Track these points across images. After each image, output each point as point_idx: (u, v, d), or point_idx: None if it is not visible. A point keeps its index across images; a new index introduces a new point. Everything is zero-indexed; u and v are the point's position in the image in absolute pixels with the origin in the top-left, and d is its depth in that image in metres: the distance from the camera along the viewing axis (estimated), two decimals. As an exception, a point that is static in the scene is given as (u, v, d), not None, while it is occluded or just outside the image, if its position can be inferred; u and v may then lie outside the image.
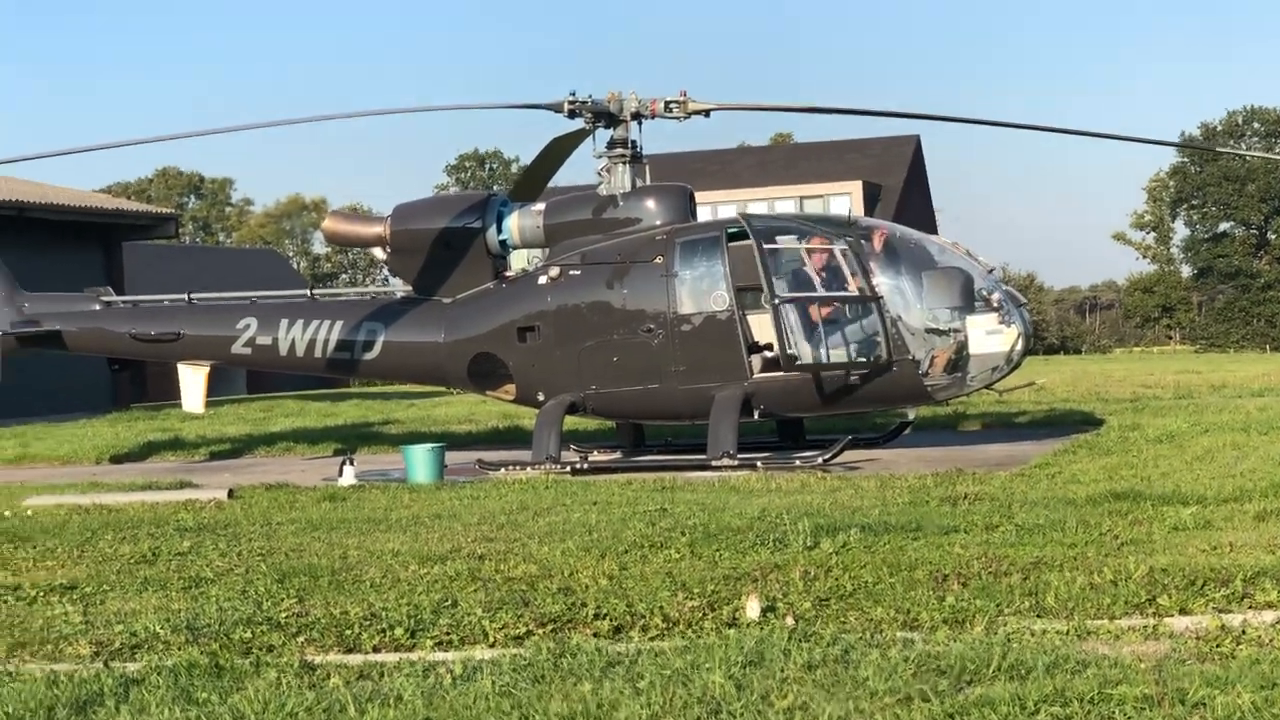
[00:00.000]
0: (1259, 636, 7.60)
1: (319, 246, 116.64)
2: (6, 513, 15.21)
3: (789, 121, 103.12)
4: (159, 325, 21.24)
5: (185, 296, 21.53)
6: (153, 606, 9.61)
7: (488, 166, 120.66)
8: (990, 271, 19.03)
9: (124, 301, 22.20)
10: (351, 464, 18.06)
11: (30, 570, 11.46)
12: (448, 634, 8.49)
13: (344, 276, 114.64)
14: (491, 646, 8.28)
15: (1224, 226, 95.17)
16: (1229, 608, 8.37)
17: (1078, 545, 10.60)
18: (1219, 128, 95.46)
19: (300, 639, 8.51)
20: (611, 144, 19.44)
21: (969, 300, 18.13)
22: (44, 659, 8.35)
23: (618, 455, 20.36)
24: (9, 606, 9.91)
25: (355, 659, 8.01)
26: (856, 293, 18.18)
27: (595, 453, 20.50)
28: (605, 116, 19.26)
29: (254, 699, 6.60)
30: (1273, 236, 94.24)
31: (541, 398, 19.22)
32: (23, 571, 11.41)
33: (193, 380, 21.31)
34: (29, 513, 15.23)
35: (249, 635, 8.55)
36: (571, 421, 20.46)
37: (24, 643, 8.70)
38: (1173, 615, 8.27)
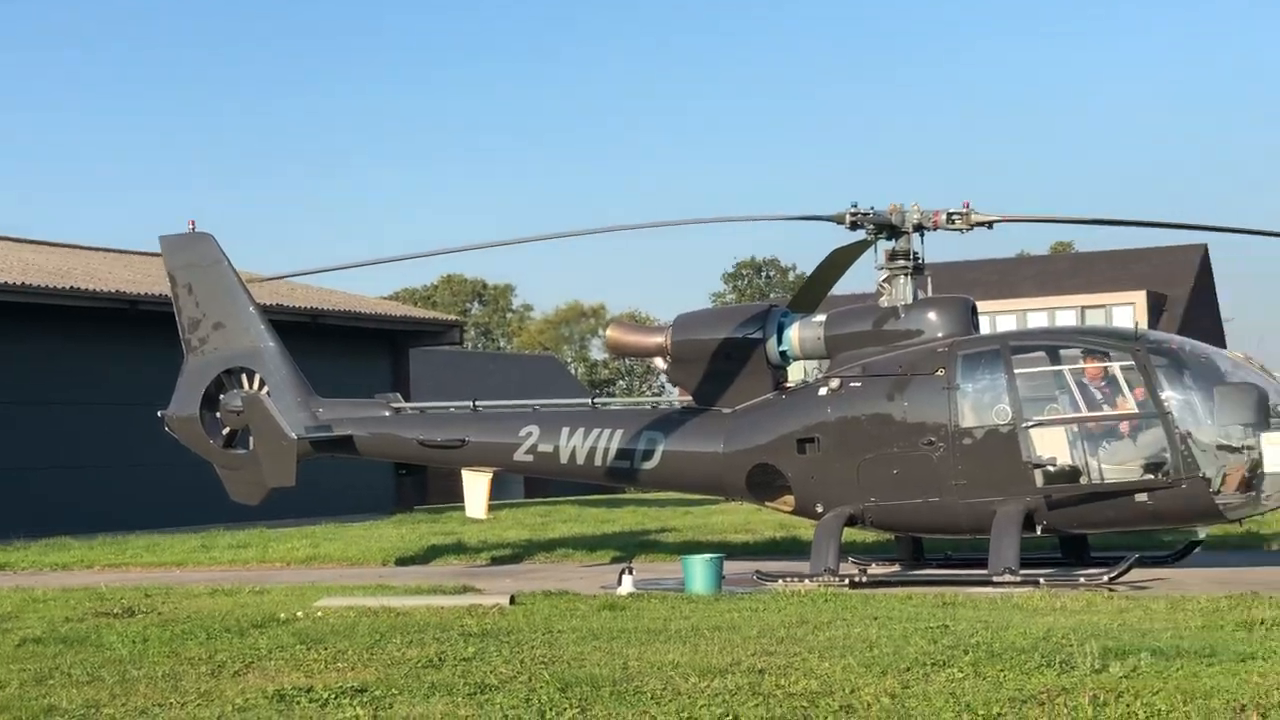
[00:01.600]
0: None
1: (596, 353, 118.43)
2: (300, 613, 15.68)
3: (1069, 230, 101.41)
4: (446, 432, 21.78)
5: (471, 404, 22.05)
6: (440, 712, 9.79)
7: (764, 274, 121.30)
8: (1285, 386, 18.39)
9: (412, 408, 22.82)
10: (630, 572, 18.19)
11: (322, 672, 11.78)
12: (729, 749, 8.47)
13: (621, 383, 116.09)
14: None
15: None
16: None
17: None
18: None
19: (584, 752, 8.57)
20: (893, 255, 19.40)
21: (1263, 416, 17.53)
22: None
23: (896, 568, 20.14)
24: (301, 708, 10.19)
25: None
26: (1143, 408, 17.75)
27: (874, 565, 20.30)
28: (887, 228, 19.25)
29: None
30: None
31: (820, 509, 19.14)
32: (315, 673, 11.73)
33: (477, 486, 21.80)
34: (320, 614, 15.68)
35: (532, 747, 8.64)
36: (850, 534, 20.33)
37: (318, 746, 8.93)
38: None
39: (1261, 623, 12.98)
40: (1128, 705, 9.34)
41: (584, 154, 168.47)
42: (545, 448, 20.98)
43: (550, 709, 9.75)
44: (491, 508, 23.66)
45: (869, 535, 22.20)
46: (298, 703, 10.39)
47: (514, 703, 10.06)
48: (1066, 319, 56.42)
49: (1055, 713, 9.13)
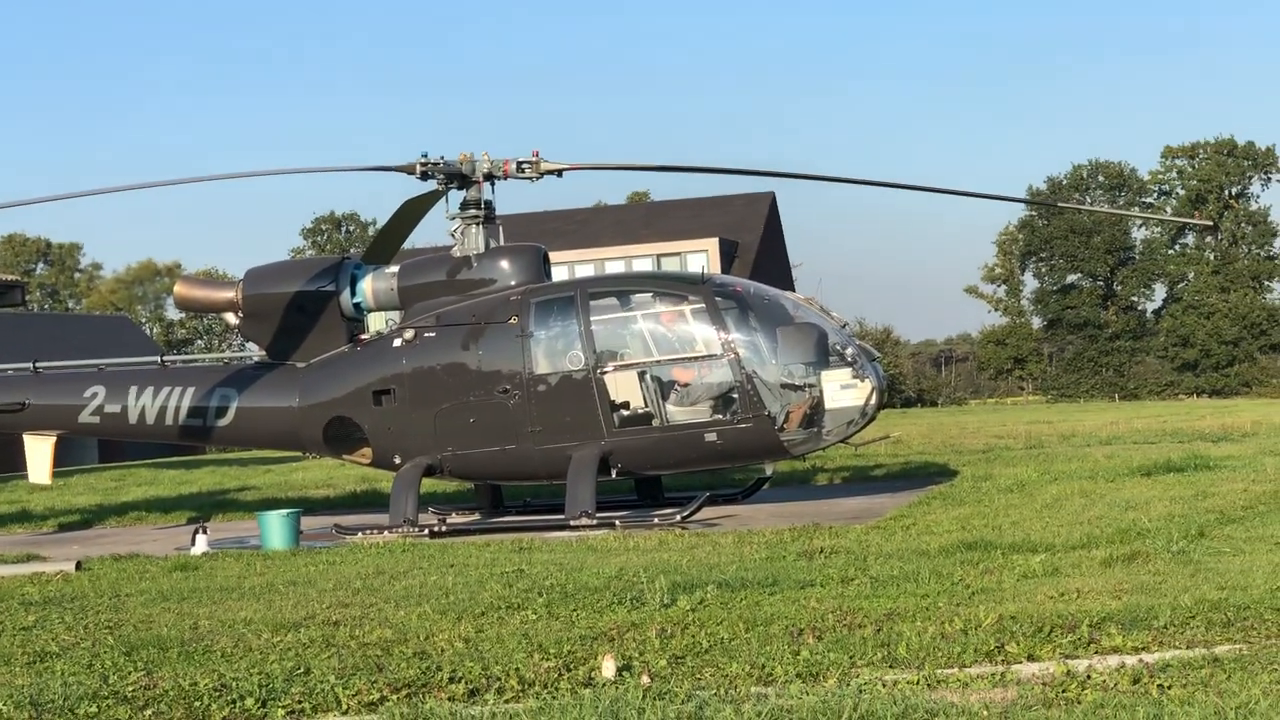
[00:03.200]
0: (1104, 681, 7.73)
1: (173, 313, 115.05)
2: None
3: (646, 180, 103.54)
4: (3, 395, 20.82)
5: (30, 365, 21.13)
6: (-6, 683, 9.37)
7: (344, 229, 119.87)
8: (844, 326, 19.24)
9: (-33, 372, 21.72)
10: (205, 532, 17.80)
11: None
12: (300, 702, 8.37)
13: (199, 343, 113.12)
14: (345, 714, 8.19)
15: (1071, 278, 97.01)
16: (1075, 653, 8.50)
17: (930, 596, 10.71)
18: (1064, 182, 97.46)
19: (148, 712, 8.35)
20: (465, 205, 19.42)
21: (823, 356, 18.30)
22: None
23: (476, 517, 20.28)
24: None
25: (205, 732, 7.87)
26: (711, 350, 18.29)
27: (454, 515, 20.39)
28: (458, 178, 19.25)
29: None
30: (1119, 287, 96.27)
31: (398, 461, 19.08)
32: None
33: (39, 451, 20.90)
34: None
35: (95, 710, 8.37)
36: (430, 484, 20.35)
37: None
38: (1021, 662, 8.39)
39: (820, 551, 13.60)
40: (693, 636, 9.64)
41: (160, 105, 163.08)
42: (112, 408, 20.28)
43: (114, 673, 9.44)
44: (59, 474, 22.78)
45: (450, 485, 22.27)
46: None
47: (75, 669, 9.70)
48: (643, 267, 57.59)
49: (624, 648, 9.33)
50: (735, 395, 18.20)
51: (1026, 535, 13.85)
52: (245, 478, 31.78)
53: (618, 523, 17.73)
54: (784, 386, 18.24)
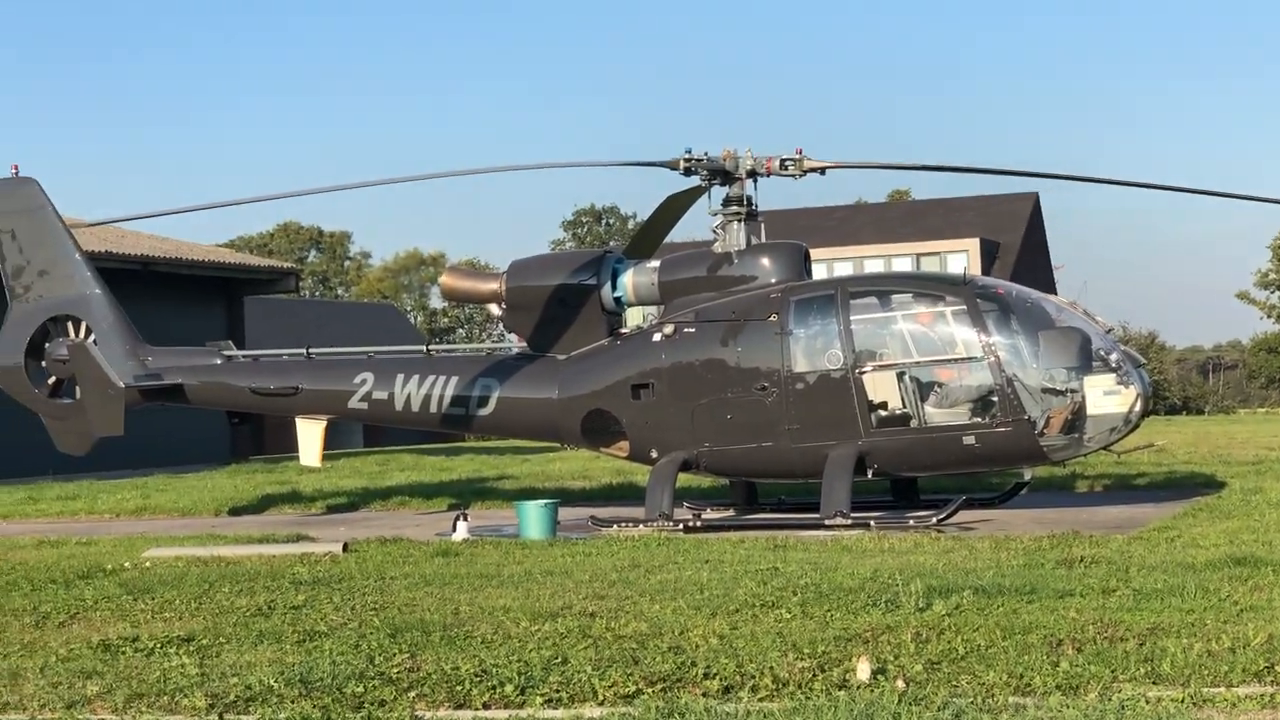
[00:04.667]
0: (1383, 708, 7.44)
1: (436, 301, 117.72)
2: (127, 564, 15.46)
3: (906, 179, 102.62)
4: (278, 380, 21.54)
5: (304, 352, 21.82)
6: (267, 660, 9.71)
7: (605, 222, 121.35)
8: (1109, 331, 18.85)
9: (244, 356, 22.53)
10: (465, 519, 18.16)
11: (148, 622, 11.63)
12: (557, 691, 8.51)
13: (460, 331, 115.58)
14: (600, 705, 8.29)
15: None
16: (1351, 677, 8.20)
17: (1196, 611, 10.43)
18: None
19: (411, 694, 8.56)
20: (727, 201, 19.50)
21: (1087, 360, 17.95)
22: (160, 710, 8.46)
23: (730, 513, 20.33)
24: (126, 658, 10.05)
25: (465, 715, 8.05)
26: (972, 352, 18.08)
27: (708, 510, 20.48)
28: (721, 174, 19.33)
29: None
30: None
31: (655, 455, 19.24)
32: (141, 623, 11.58)
33: (310, 434, 21.59)
34: (148, 564, 15.47)
35: (361, 690, 8.61)
36: (685, 479, 20.48)
37: (141, 694, 8.82)
38: (1293, 685, 8.12)
39: (1080, 560, 13.32)
40: (949, 641, 9.54)
41: (425, 100, 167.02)
42: (380, 395, 20.84)
43: (380, 654, 9.72)
44: (328, 456, 23.49)
45: (705, 480, 22.39)
46: (123, 652, 10.24)
47: (343, 649, 10.01)
48: (902, 266, 57.10)
49: (878, 650, 9.29)
50: (995, 398, 17.95)
51: (1300, 552, 13.39)
52: (503, 466, 32.37)
53: (873, 523, 17.63)
54: (1045, 391, 17.93)
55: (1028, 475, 19.42)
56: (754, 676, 8.65)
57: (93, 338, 22.00)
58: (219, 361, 22.08)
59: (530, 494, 23.13)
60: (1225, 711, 7.50)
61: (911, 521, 17.84)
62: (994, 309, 18.32)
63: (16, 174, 22.61)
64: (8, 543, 18.78)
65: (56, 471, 30.79)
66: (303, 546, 16.52)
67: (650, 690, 8.45)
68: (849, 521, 17.68)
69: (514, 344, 21.48)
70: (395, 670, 9.13)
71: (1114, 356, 18.06)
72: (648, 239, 19.88)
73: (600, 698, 8.40)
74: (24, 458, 31.63)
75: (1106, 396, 17.78)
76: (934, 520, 17.78)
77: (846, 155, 19.95)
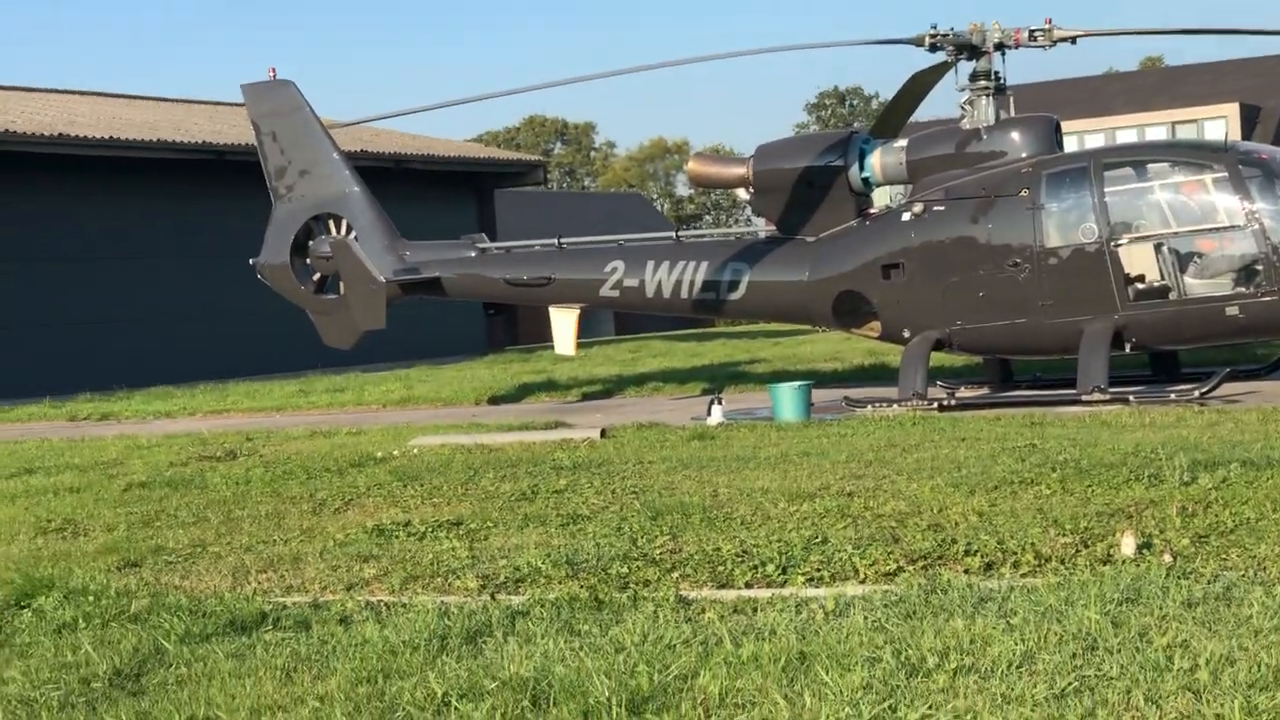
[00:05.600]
0: None
1: (682, 189, 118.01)
2: (395, 452, 15.97)
3: (1159, 45, 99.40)
4: (531, 270, 21.89)
5: (555, 241, 22.12)
6: (534, 542, 9.98)
7: (848, 104, 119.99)
8: (1379, 194, 18.10)
9: (498, 248, 22.92)
10: (720, 403, 18.32)
11: (418, 507, 12.03)
12: (818, 570, 8.58)
13: (707, 218, 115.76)
14: (862, 583, 8.34)
15: None
16: None
17: None
18: None
19: (675, 575, 8.72)
20: (974, 76, 19.16)
21: (1355, 225, 17.29)
22: (435, 591, 8.77)
23: (985, 391, 20.14)
24: (400, 542, 10.43)
25: (729, 595, 8.18)
26: (1234, 221, 17.55)
27: (962, 389, 20.32)
28: (967, 49, 18.99)
29: (633, 631, 6.81)
30: None
31: (907, 334, 19.12)
32: (411, 508, 11.98)
33: (564, 323, 21.93)
34: (415, 452, 15.95)
35: (625, 570, 8.80)
36: (938, 358, 20.34)
37: (416, 576, 9.15)
38: None
39: (1355, 431, 12.93)
40: (1216, 515, 9.37)
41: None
42: (631, 282, 21.05)
43: (642, 536, 9.91)
44: (581, 345, 23.83)
45: (957, 359, 22.19)
46: (396, 536, 10.63)
47: (605, 531, 10.23)
48: (1157, 135, 55.40)
49: (1143, 525, 9.17)
50: (1259, 266, 17.42)
51: None
52: (754, 350, 32.48)
53: (1132, 398, 17.30)
54: (1312, 258, 17.33)
55: (1295, 346, 18.85)
56: (1015, 553, 8.61)
57: (354, 234, 22.61)
58: (473, 254, 22.51)
59: (782, 377, 23.18)
60: None
61: (1173, 395, 17.46)
62: (1257, 175, 17.72)
63: (274, 77, 23.22)
64: (282, 434, 19.54)
65: (325, 366, 31.89)
66: (561, 433, 16.86)
67: (911, 568, 8.48)
68: (1107, 396, 17.38)
69: (762, 228, 21.48)
70: (658, 551, 9.30)
71: (1388, 220, 17.35)
72: (894, 118, 19.67)
73: (862, 576, 8.45)
74: (293, 353, 32.82)
75: (1377, 262, 17.12)
76: (1196, 394, 17.38)
77: (1097, 23, 19.41)
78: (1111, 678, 5.12)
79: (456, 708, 4.95)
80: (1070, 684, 5.01)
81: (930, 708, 4.73)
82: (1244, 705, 4.64)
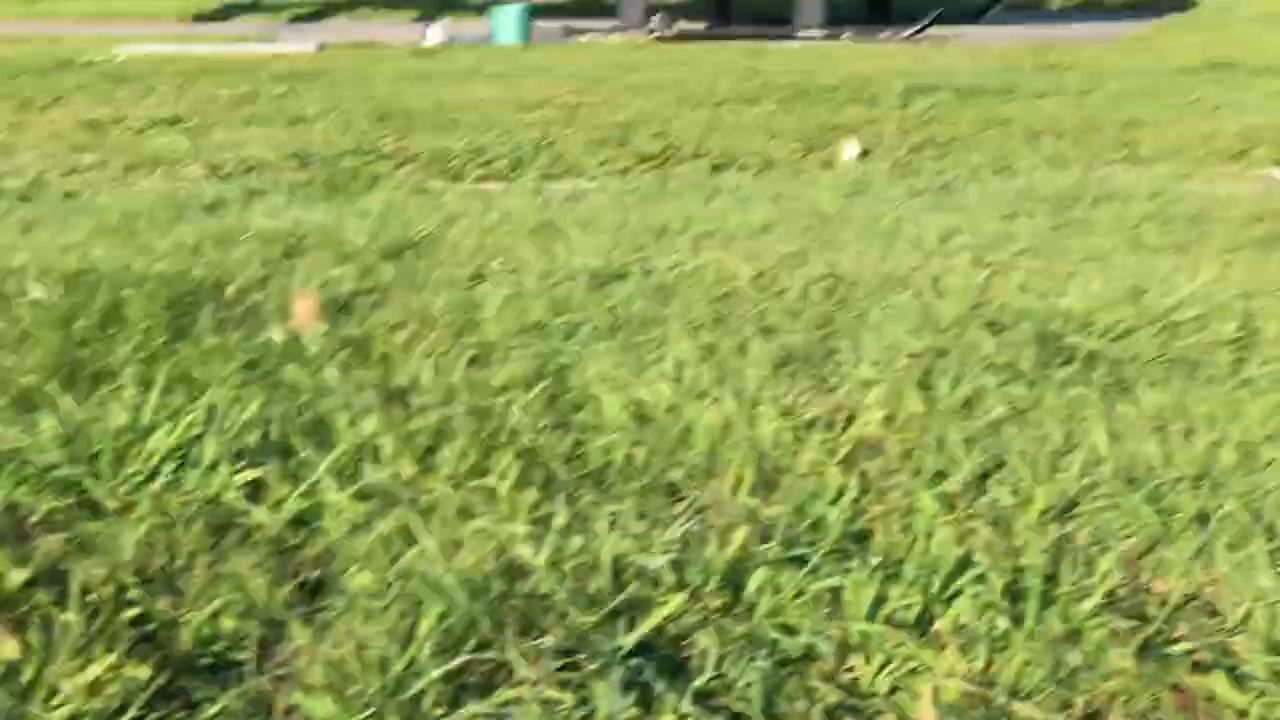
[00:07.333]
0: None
1: None
2: (100, 59, 15.36)
3: None
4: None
5: None
6: (259, 138, 9.80)
7: None
8: None
9: None
10: (439, 23, 18.04)
11: (133, 106, 11.65)
12: (551, 168, 8.65)
13: None
14: (593, 180, 8.45)
15: None
16: (1325, 160, 8.43)
17: (1173, 108, 10.59)
18: None
19: (406, 168, 8.69)
20: None
21: None
22: (160, 178, 8.58)
23: (704, 26, 20.22)
24: (116, 135, 10.12)
25: (463, 186, 8.20)
26: None
27: (681, 21, 20.35)
28: None
29: (378, 202, 6.79)
30: None
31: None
32: (125, 107, 11.59)
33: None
34: (122, 59, 15.38)
35: (357, 164, 8.73)
36: (657, -10, 20.31)
37: (137, 165, 8.91)
38: (1266, 166, 8.35)
39: (1055, 66, 13.43)
40: (932, 131, 9.70)
41: None
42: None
43: (370, 135, 9.82)
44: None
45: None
46: (111, 130, 10.31)
47: (331, 132, 10.09)
48: None
49: (863, 139, 9.43)
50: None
51: (1271, 61, 13.51)
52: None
53: (846, 35, 17.60)
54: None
55: (1002, -10, 19.34)
56: (742, 157, 8.80)
57: None
58: None
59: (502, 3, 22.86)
60: (1205, 184, 7.72)
61: (886, 33, 17.82)
62: None
63: None
64: (-26, 40, 18.60)
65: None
66: (277, 46, 16.43)
67: (641, 166, 8.60)
68: (823, 33, 17.65)
69: None
70: (387, 148, 9.24)
71: None
72: None
73: (592, 175, 8.54)
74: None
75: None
76: (907, 33, 17.76)
77: None
78: (847, 242, 5.35)
79: (212, 252, 4.92)
80: (809, 245, 5.21)
81: (679, 258, 4.89)
82: (972, 260, 4.91)
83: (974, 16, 20.14)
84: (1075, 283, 4.50)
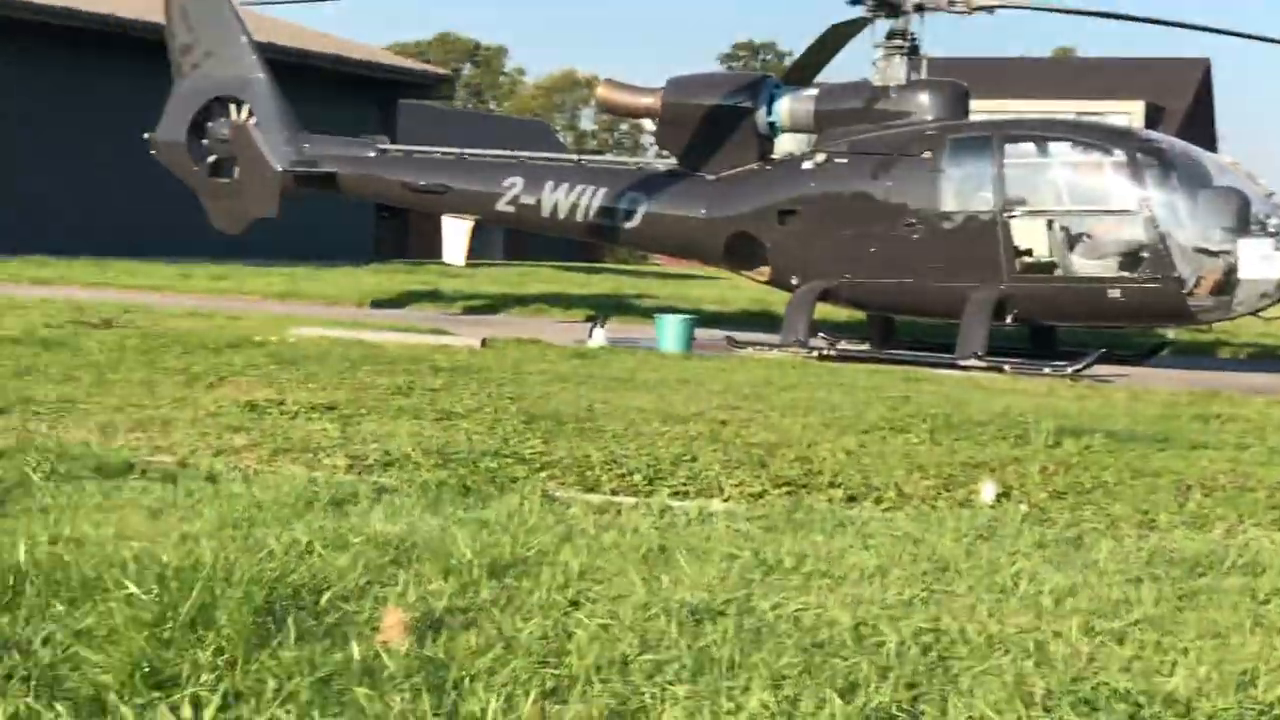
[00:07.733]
0: None
1: (587, 122, 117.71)
2: (274, 338, 15.87)
3: (1072, 36, 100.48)
4: (429, 176, 21.79)
5: (457, 151, 22.02)
6: (406, 431, 9.98)
7: (761, 58, 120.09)
8: (1269, 196, 18.51)
9: (398, 150, 22.78)
10: (602, 325, 18.40)
11: (293, 390, 11.97)
12: (685, 485, 8.67)
13: (609, 155, 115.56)
14: (726, 500, 8.45)
15: None
16: None
17: (1330, 471, 10.36)
18: None
19: (543, 474, 8.77)
20: (890, 35, 19.31)
21: (1244, 223, 17.66)
22: (303, 466, 8.76)
23: (865, 347, 20.37)
24: (273, 419, 10.39)
25: (595, 498, 8.25)
26: (1126, 205, 17.86)
27: (843, 342, 20.54)
28: (887, 6, 19.11)
29: (499, 512, 6.86)
30: None
31: (795, 281, 19.30)
32: (286, 390, 11.91)
33: (456, 233, 21.89)
34: (294, 340, 15.87)
35: (495, 465, 8.83)
36: (823, 310, 20.54)
37: (286, 449, 9.12)
38: None
39: (1217, 416, 13.25)
40: (1076, 476, 9.57)
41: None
42: (528, 200, 21.02)
43: (514, 437, 9.95)
44: (469, 264, 23.80)
45: (841, 313, 22.43)
46: (269, 413, 10.58)
47: (478, 429, 10.26)
48: (1061, 124, 55.99)
49: (1004, 479, 9.35)
50: (1145, 254, 17.75)
51: None
52: (642, 287, 32.57)
53: (1007, 367, 17.60)
54: (1197, 250, 17.68)
55: (1171, 335, 19.30)
56: (879, 489, 8.76)
57: (254, 120, 22.36)
58: (373, 154, 22.37)
59: (668, 312, 23.29)
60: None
61: (1047, 369, 17.78)
62: (1154, 163, 18.05)
63: (190, -48, 22.85)
64: (161, 310, 19.35)
65: (208, 256, 31.51)
66: (442, 339, 16.85)
67: (776, 491, 8.60)
68: (984, 364, 17.67)
69: (662, 163, 21.53)
70: (529, 452, 9.35)
71: (1273, 222, 17.76)
72: (808, 67, 19.78)
73: (726, 494, 8.55)
74: (178, 239, 32.37)
75: (1261, 261, 17.52)
76: (1070, 370, 17.71)
77: (1019, -2, 19.59)
78: (958, 594, 5.26)
79: (320, 554, 4.99)
80: (919, 594, 5.14)
81: (783, 598, 4.84)
82: (1082, 625, 4.79)
83: (1142, 357, 20.07)
84: (1185, 662, 4.35)
